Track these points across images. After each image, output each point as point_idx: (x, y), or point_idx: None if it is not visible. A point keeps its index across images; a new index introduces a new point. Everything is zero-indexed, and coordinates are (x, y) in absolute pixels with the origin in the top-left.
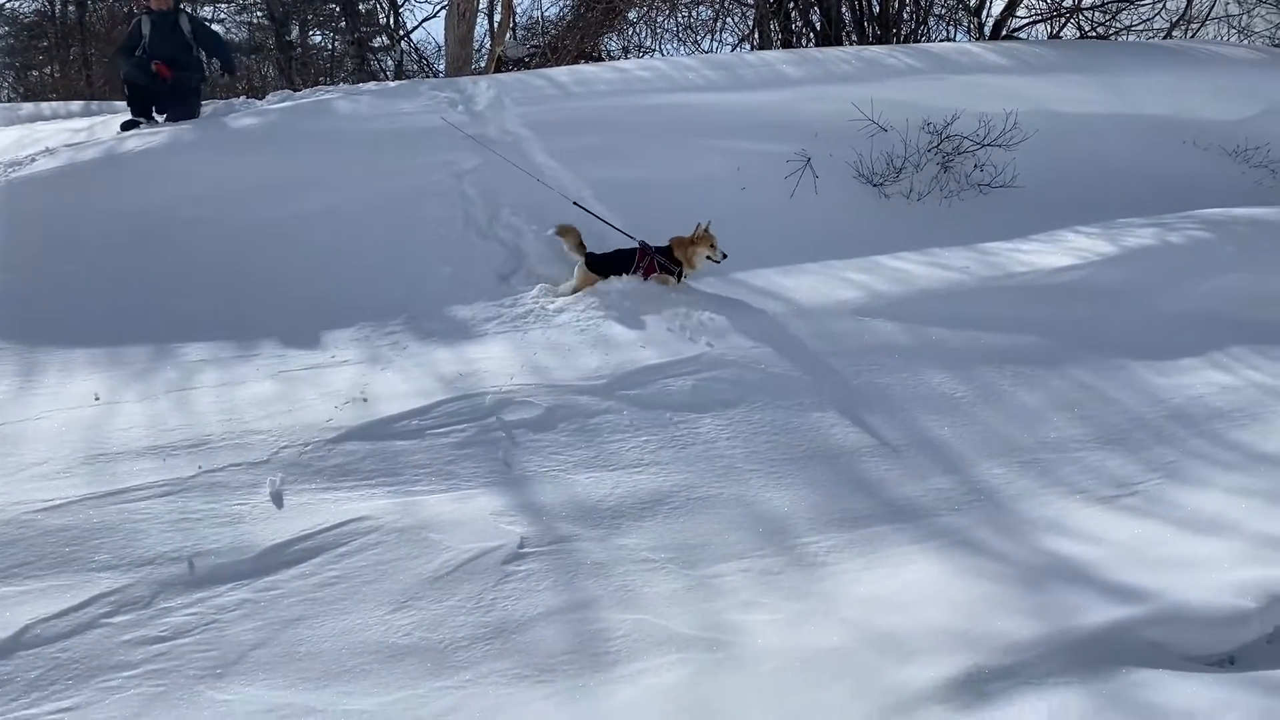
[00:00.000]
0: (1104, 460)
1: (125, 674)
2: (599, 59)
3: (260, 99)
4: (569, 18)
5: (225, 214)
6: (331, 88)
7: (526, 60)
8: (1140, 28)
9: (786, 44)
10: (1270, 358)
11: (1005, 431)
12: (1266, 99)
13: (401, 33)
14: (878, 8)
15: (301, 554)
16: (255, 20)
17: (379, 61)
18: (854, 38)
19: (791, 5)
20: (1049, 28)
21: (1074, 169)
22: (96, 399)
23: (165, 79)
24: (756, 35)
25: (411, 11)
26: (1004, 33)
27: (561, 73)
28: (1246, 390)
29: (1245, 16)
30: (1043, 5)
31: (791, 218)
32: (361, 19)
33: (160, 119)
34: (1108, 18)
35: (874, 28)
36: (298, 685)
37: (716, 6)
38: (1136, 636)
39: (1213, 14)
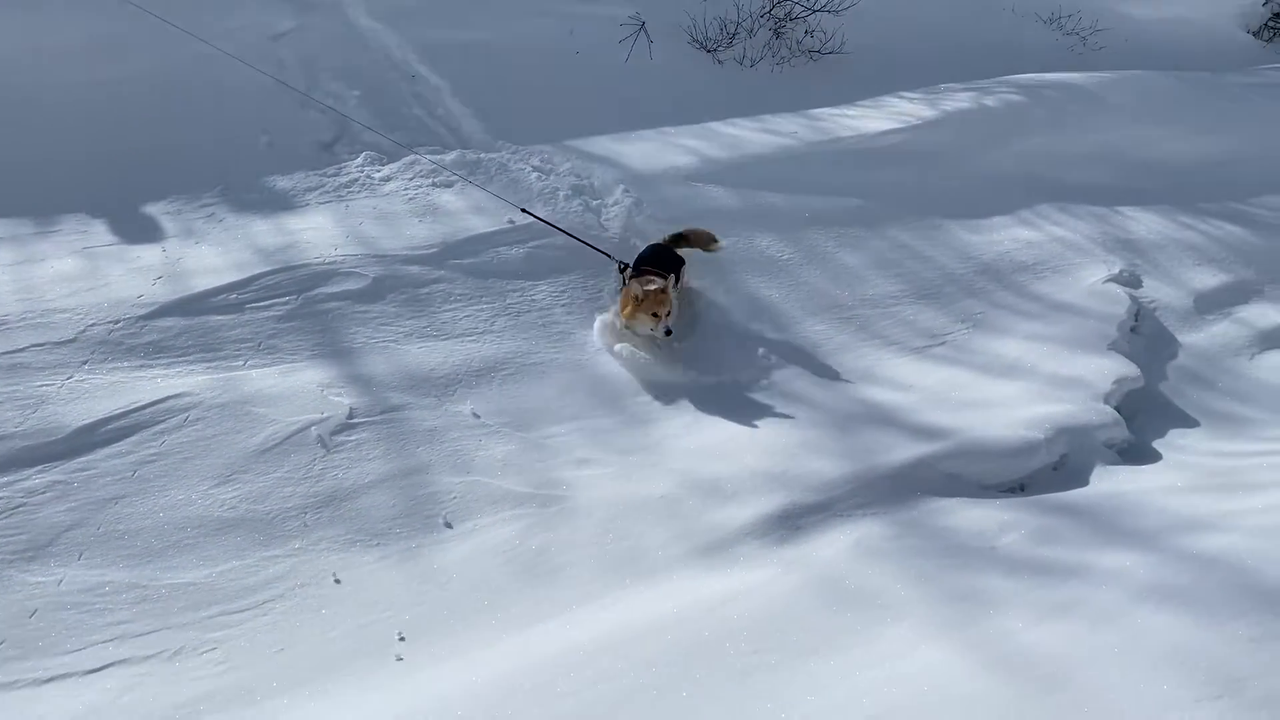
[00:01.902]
0: (917, 314)
1: None
2: None
3: None
4: None
5: (12, 80)
6: None
7: None
8: None
9: None
10: (1073, 214)
11: (828, 290)
12: None
13: None
14: None
15: (116, 433)
16: None
17: None
18: None
19: None
20: None
21: (899, 36)
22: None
23: None
24: None
25: None
26: None
27: None
28: (1049, 245)
29: None
30: None
31: (626, 83)
32: None
33: None
34: None
35: None
36: (118, 563)
37: None
38: (936, 470)
39: None
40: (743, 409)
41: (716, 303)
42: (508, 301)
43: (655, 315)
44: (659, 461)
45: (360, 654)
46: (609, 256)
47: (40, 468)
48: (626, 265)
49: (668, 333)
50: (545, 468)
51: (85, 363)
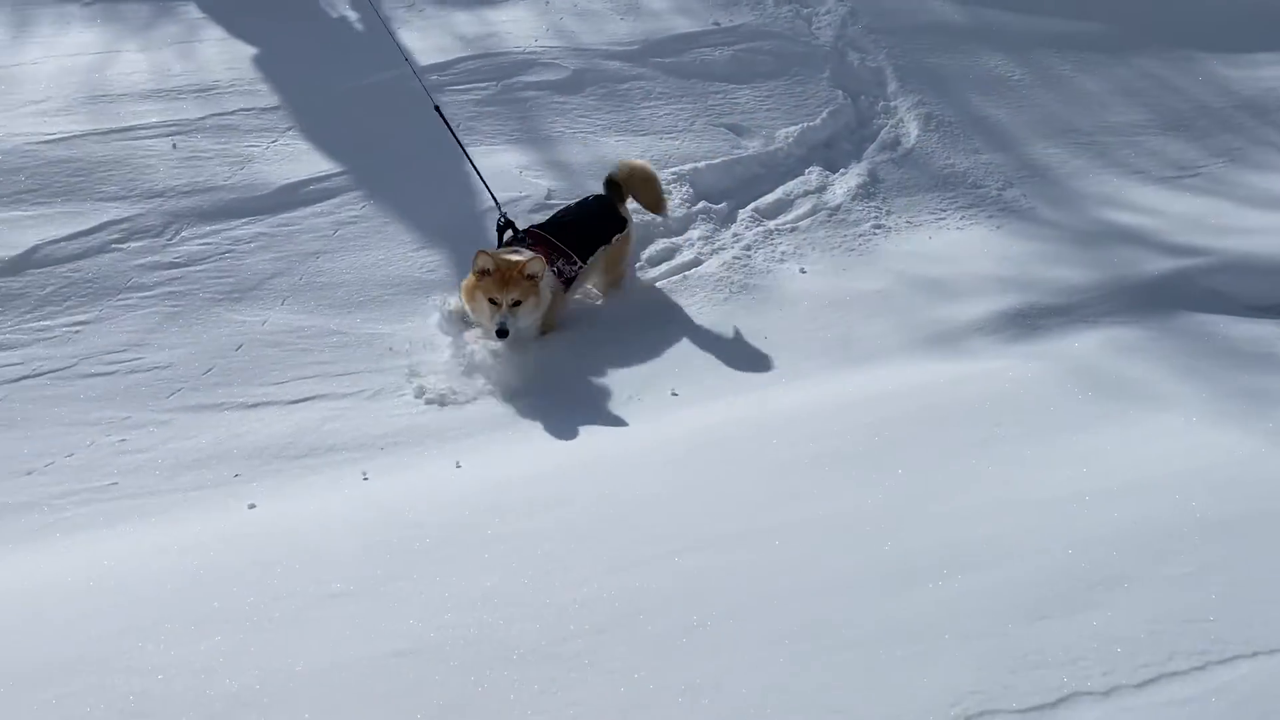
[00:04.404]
0: (1165, 145)
1: (140, 295)
2: None
3: None
4: None
5: None
6: None
7: None
8: None
9: None
10: None
11: (1062, 114)
12: None
13: None
14: None
15: (318, 194)
16: None
17: None
18: None
19: None
20: None
21: None
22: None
23: None
24: None
25: None
26: None
27: None
28: None
29: None
30: None
31: None
32: None
33: None
34: None
35: None
36: (317, 311)
37: None
38: (1196, 284)
39: None
40: (966, 219)
41: (930, 114)
42: (709, 103)
43: (494, 301)
44: (873, 262)
45: (579, 406)
46: (496, 205)
47: (247, 219)
48: (509, 223)
49: (502, 333)
50: (749, 257)
51: (290, 129)
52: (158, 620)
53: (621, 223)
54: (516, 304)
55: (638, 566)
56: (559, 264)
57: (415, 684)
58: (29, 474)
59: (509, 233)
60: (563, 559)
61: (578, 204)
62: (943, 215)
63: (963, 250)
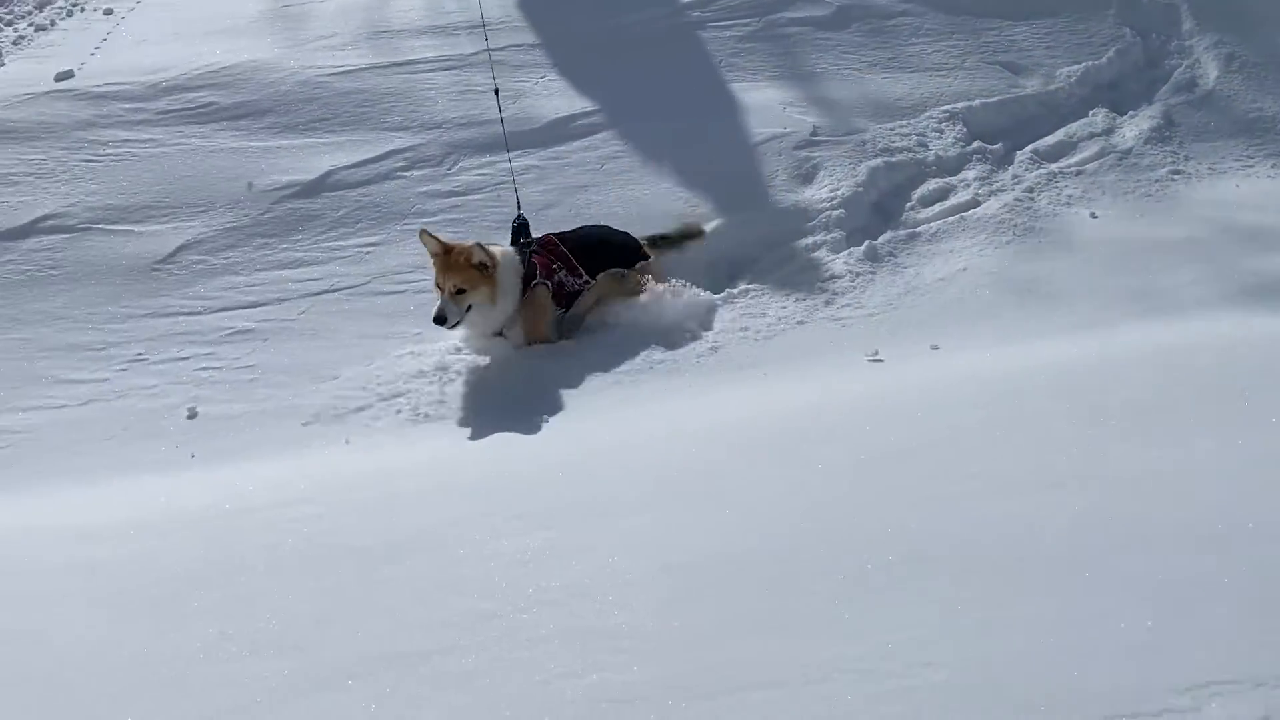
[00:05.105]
0: None
1: (424, 220)
2: None
3: None
4: None
5: None
6: None
7: None
8: None
9: None
10: None
11: None
12: None
13: None
14: None
15: (584, 129)
16: None
17: None
18: None
19: None
20: None
21: None
22: None
23: None
24: None
25: None
26: None
27: None
28: None
29: None
30: None
31: None
32: None
33: None
34: None
35: None
36: None
37: None
38: None
39: None
40: (1278, 166)
41: (1232, 56)
42: (983, 39)
43: (438, 286)
44: (1173, 209)
45: (837, 348)
46: (518, 204)
47: (519, 152)
48: (524, 224)
49: (439, 320)
50: (1033, 200)
51: (555, 65)
52: (485, 513)
53: (645, 255)
54: (460, 291)
55: (948, 503)
56: (561, 274)
57: (720, 594)
58: (335, 379)
59: (522, 237)
60: (872, 491)
61: (607, 228)
62: (1250, 163)
63: (1278, 200)
